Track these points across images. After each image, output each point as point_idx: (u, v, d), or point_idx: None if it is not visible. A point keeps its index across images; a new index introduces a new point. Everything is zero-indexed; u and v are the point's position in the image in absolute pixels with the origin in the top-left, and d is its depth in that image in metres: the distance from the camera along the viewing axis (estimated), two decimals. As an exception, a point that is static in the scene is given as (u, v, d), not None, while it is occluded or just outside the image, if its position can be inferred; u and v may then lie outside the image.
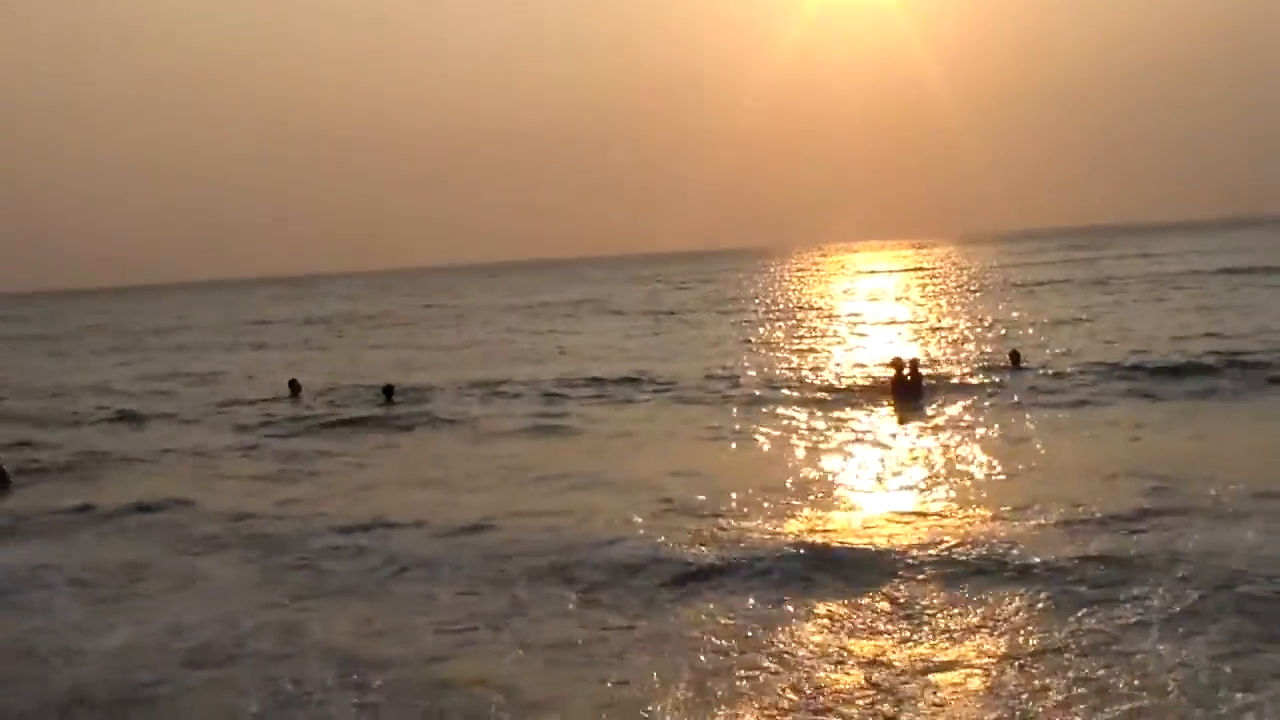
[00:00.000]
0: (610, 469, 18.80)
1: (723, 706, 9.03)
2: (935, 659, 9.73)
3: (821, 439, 20.90)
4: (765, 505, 15.29)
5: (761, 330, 48.75)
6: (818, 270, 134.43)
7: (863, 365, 31.99)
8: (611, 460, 20.08)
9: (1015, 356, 28.87)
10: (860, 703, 8.97)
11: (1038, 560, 11.90)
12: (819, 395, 26.47)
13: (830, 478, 17.22)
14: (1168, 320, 39.03)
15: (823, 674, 9.57)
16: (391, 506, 16.90)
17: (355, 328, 69.73)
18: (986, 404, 23.55)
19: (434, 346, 49.83)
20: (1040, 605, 10.74)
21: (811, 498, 15.82)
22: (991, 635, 10.15)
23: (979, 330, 41.35)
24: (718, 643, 10.34)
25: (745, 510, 15.03)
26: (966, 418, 21.96)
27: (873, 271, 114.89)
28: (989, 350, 33.03)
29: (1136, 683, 8.93)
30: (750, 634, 10.52)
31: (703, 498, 15.89)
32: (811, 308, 64.28)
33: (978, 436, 19.98)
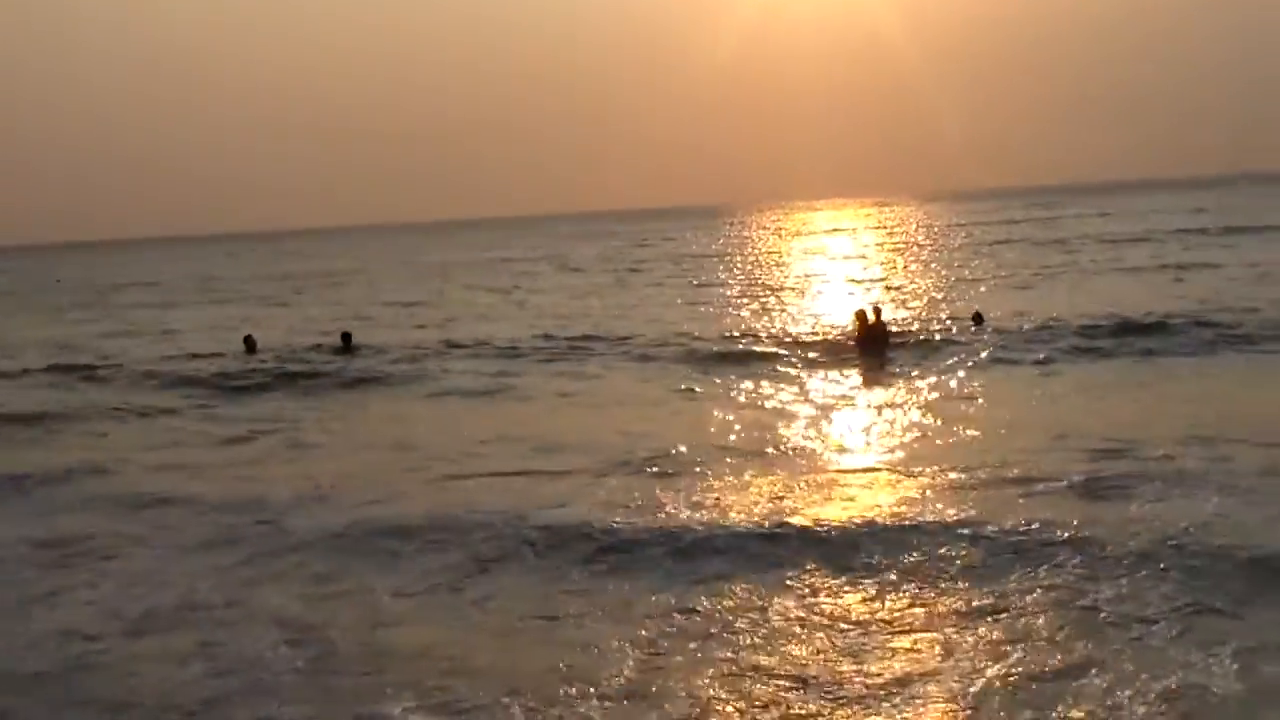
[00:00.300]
0: (567, 430, 18.54)
1: (673, 677, 8.84)
2: (886, 621, 9.64)
3: (782, 398, 20.79)
4: (722, 469, 15.13)
5: (722, 288, 48.57)
6: (779, 227, 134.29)
7: (824, 321, 31.91)
8: (568, 421, 19.85)
9: (978, 316, 28.81)
10: (813, 668, 8.83)
11: (990, 522, 11.81)
12: (780, 352, 26.32)
13: (787, 440, 17.03)
14: (1125, 279, 39.20)
15: (776, 641, 9.43)
16: (344, 468, 16.67)
17: (314, 284, 69.07)
18: (948, 363, 23.47)
19: (393, 302, 49.36)
20: (990, 565, 10.65)
21: (767, 459, 15.65)
22: (945, 596, 10.05)
23: (941, 289, 41.31)
24: (673, 613, 10.15)
25: (704, 474, 14.85)
26: (929, 378, 21.88)
27: (835, 229, 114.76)
28: (951, 309, 32.98)
29: (1088, 642, 8.86)
30: (705, 602, 10.34)
31: (662, 460, 15.72)
32: (773, 264, 64.12)
33: (938, 397, 19.91)
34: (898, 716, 8.05)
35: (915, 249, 70.83)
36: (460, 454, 17.23)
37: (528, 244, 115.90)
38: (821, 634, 9.51)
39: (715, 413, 19.53)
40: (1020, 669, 8.59)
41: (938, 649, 9.04)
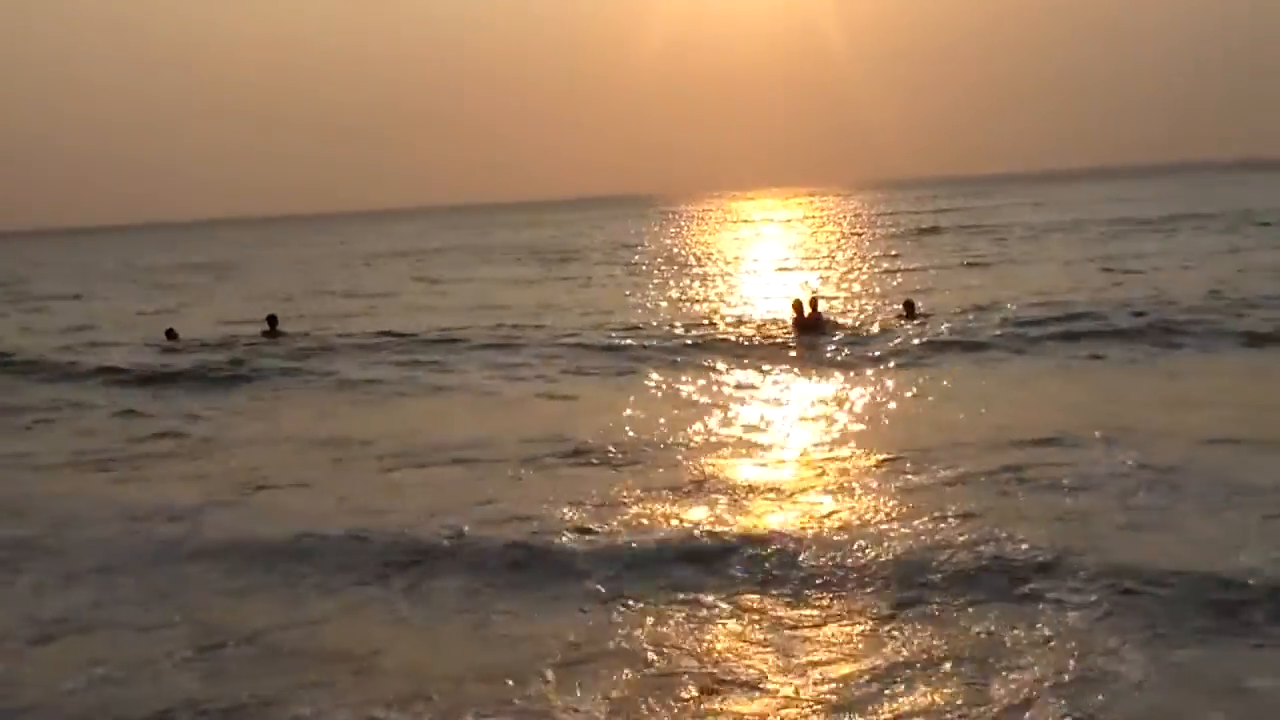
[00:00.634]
0: (493, 427, 18.01)
1: (591, 688, 8.51)
2: (798, 625, 9.40)
3: (710, 393, 20.52)
4: (647, 467, 14.81)
5: (654, 278, 48.31)
6: (713, 217, 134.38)
7: (756, 312, 31.74)
8: (492, 418, 19.42)
9: (909, 306, 28.74)
10: (733, 669, 8.58)
11: (912, 519, 11.62)
12: (712, 343, 26.08)
13: (713, 436, 16.62)
14: (1054, 269, 39.42)
15: (690, 653, 9.15)
16: (262, 467, 16.21)
17: (240, 273, 68.21)
18: (878, 353, 23.34)
19: (321, 292, 48.71)
20: (909, 567, 10.40)
21: (689, 457, 15.26)
22: (869, 598, 9.81)
23: (872, 279, 41.37)
24: (590, 621, 9.77)
25: (626, 475, 14.45)
26: (859, 370, 21.72)
27: (767, 219, 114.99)
28: (883, 300, 32.96)
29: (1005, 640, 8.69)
30: (622, 611, 9.94)
31: (585, 456, 15.41)
32: (705, 255, 63.95)
33: (868, 391, 19.70)
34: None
35: (847, 238, 71.03)
36: (367, 452, 16.76)
37: (458, 233, 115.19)
38: (734, 640, 9.24)
39: (645, 407, 19.20)
40: (926, 674, 8.38)
41: (843, 655, 8.82)
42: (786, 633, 9.25)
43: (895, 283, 39.11)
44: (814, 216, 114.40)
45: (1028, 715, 7.65)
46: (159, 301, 48.90)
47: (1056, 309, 26.97)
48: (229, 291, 53.39)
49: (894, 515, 11.85)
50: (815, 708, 8.00)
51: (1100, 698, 7.81)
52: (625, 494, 13.30)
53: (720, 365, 23.22)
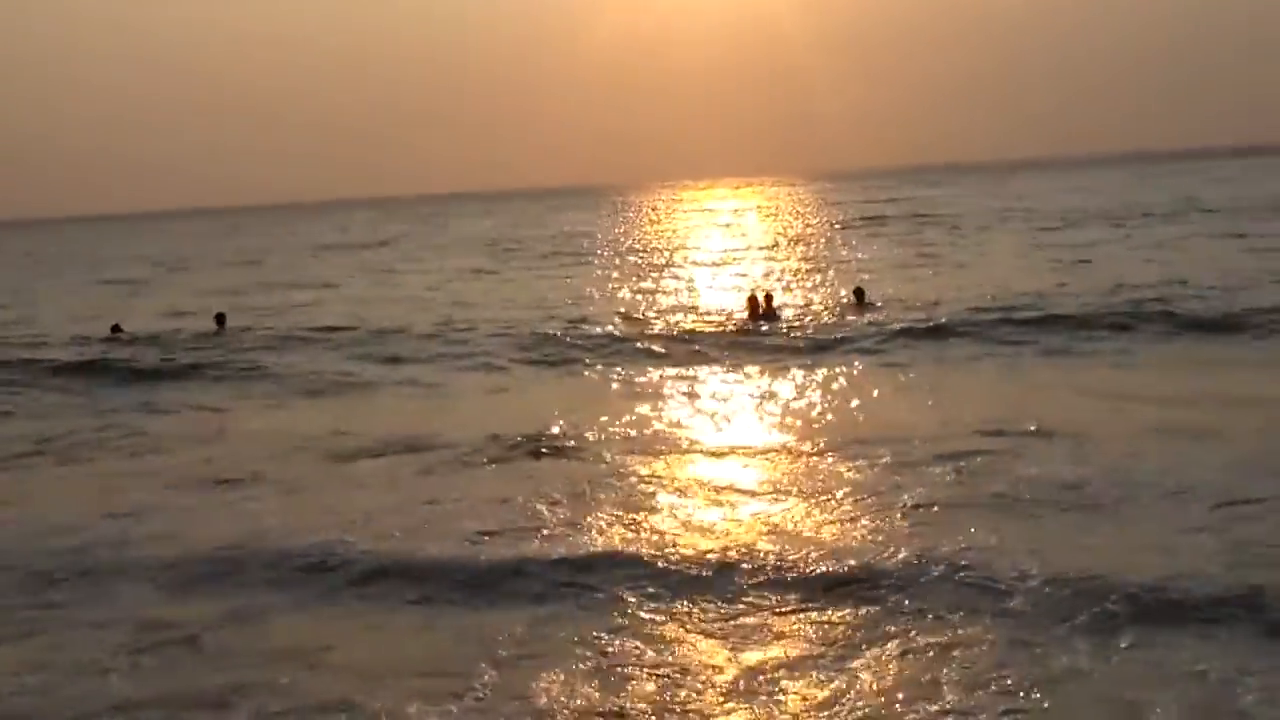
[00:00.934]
0: (439, 423, 17.69)
1: (526, 696, 8.38)
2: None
3: (660, 386, 20.43)
4: (593, 463, 14.72)
5: (606, 270, 48.06)
6: (667, 208, 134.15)
7: (709, 304, 31.67)
8: (439, 412, 19.24)
9: (859, 293, 28.78)
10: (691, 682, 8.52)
11: (857, 517, 11.63)
12: (665, 335, 25.99)
13: (661, 431, 16.50)
14: (1004, 260, 39.50)
15: (627, 668, 9.01)
16: (208, 463, 15.97)
17: (192, 265, 67.51)
18: (829, 343, 23.34)
19: (271, 285, 48.20)
20: (849, 562, 10.36)
21: (633, 451, 15.11)
22: (809, 593, 9.77)
23: (823, 267, 41.37)
24: (519, 632, 9.51)
25: (574, 471, 14.38)
26: (809, 362, 21.61)
27: (722, 210, 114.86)
28: (834, 289, 32.98)
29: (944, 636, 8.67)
30: (554, 623, 9.65)
31: (527, 450, 15.27)
32: (659, 247, 63.76)
33: (816, 384, 19.56)
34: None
35: (801, 229, 71.04)
36: (314, 446, 16.54)
37: (409, 224, 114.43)
38: (663, 655, 9.17)
39: (595, 403, 19.07)
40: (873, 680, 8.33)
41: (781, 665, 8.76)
42: (728, 625, 9.21)
43: (846, 271, 39.09)
44: (766, 206, 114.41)
45: (975, 709, 7.62)
46: (112, 292, 48.23)
47: (1006, 299, 27.03)
48: (179, 285, 52.66)
49: (837, 510, 11.83)
50: (760, 700, 7.97)
51: (1051, 691, 7.82)
52: (570, 490, 13.18)
53: (671, 359, 23.12)
